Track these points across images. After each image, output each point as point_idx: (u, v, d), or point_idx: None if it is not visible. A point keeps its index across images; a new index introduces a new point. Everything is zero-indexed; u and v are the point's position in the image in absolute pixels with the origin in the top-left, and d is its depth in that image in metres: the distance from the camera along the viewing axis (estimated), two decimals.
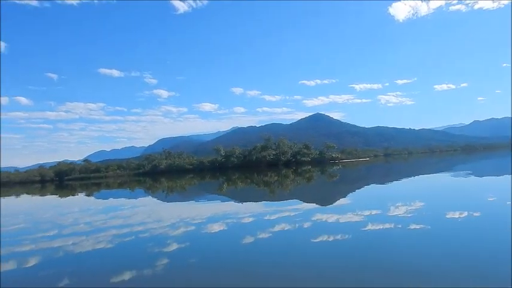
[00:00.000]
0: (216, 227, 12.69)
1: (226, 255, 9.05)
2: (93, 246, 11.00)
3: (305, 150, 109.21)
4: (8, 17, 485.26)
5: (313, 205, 17.77)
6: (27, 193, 50.76)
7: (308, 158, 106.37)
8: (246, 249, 9.40)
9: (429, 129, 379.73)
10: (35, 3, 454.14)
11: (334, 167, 68.97)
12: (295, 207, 16.89)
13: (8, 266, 9.26)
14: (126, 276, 7.62)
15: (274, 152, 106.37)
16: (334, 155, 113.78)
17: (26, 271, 8.73)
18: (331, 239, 9.80)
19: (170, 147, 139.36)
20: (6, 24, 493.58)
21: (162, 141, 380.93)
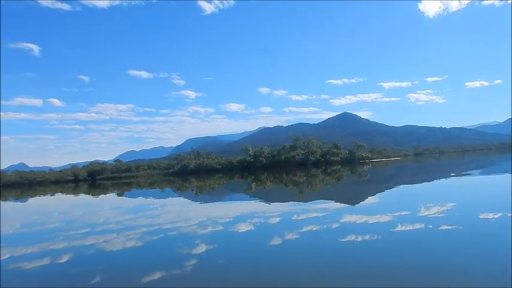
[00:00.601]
0: (244, 227, 12.68)
1: (253, 255, 9.02)
2: (124, 244, 11.20)
3: (334, 150, 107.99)
4: (42, 21, 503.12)
5: (341, 205, 17.52)
6: (62, 192, 52.49)
7: (338, 158, 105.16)
8: (273, 250, 9.33)
9: (461, 128, 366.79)
10: (67, 7, 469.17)
11: (365, 167, 67.90)
12: (323, 207, 16.70)
13: (43, 262, 9.53)
14: (156, 275, 7.69)
15: (303, 152, 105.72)
16: (364, 155, 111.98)
17: (59, 267, 8.96)
18: (359, 239, 9.62)
19: (197, 148, 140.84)
20: (39, 28, 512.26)
21: (190, 141, 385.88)
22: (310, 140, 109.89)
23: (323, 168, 75.06)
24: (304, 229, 11.53)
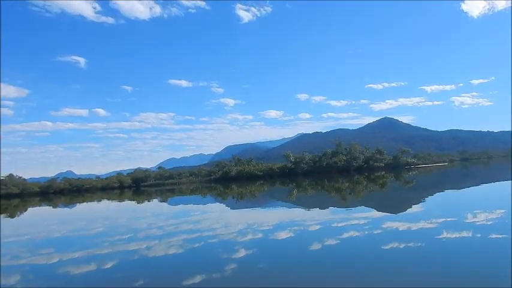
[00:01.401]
0: (283, 234, 12.57)
1: (293, 262, 8.91)
2: (166, 250, 11.38)
3: (378, 156, 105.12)
4: (88, 34, 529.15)
5: (383, 212, 17.06)
6: (107, 198, 54.40)
7: (381, 164, 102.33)
8: (313, 256, 9.19)
9: (510, 132, 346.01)
10: (111, 20, 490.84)
11: (410, 173, 65.67)
12: (365, 214, 16.33)
13: (89, 267, 9.85)
14: (197, 280, 7.77)
15: (345, 158, 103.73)
16: (409, 160, 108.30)
17: (104, 272, 9.23)
18: (402, 246, 9.33)
19: (236, 154, 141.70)
20: (85, 41, 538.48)
21: (229, 148, 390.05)
22: (353, 145, 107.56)
23: (366, 174, 73.29)
24: (345, 235, 11.31)
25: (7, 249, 13.95)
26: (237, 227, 15.25)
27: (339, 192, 33.28)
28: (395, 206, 19.94)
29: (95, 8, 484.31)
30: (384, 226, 12.61)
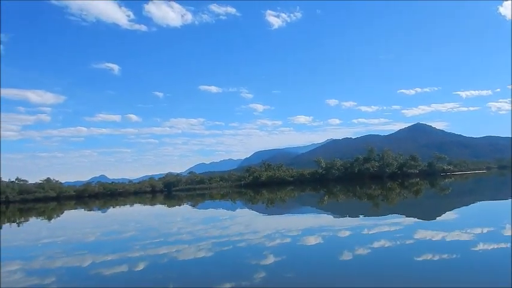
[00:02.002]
0: (312, 240, 12.43)
1: (322, 271, 8.79)
2: (195, 254, 11.47)
3: (412, 162, 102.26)
4: (121, 42, 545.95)
5: (415, 220, 16.65)
6: (140, 202, 55.57)
7: (416, 170, 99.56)
8: (343, 265, 9.04)
9: None
10: (144, 28, 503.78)
11: (446, 180, 63.60)
12: (396, 222, 15.98)
13: (121, 269, 10.05)
14: (226, 285, 7.78)
15: (377, 164, 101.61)
16: (445, 167, 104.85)
17: (135, 275, 9.38)
18: (436, 258, 8.98)
19: (265, 160, 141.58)
20: (119, 49, 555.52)
21: (258, 153, 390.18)
22: (386, 151, 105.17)
23: (399, 181, 71.51)
24: (376, 244, 11.07)
25: (44, 251, 14.45)
26: (266, 232, 15.19)
27: (371, 198, 32.63)
28: (429, 213, 19.34)
29: (128, 16, 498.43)
30: (416, 235, 12.28)
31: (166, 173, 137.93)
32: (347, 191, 48.84)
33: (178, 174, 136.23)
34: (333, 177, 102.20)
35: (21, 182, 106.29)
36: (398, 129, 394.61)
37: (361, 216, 19.65)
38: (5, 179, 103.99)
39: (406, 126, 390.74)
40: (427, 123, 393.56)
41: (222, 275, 8.77)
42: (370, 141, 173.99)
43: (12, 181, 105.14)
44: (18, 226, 28.83)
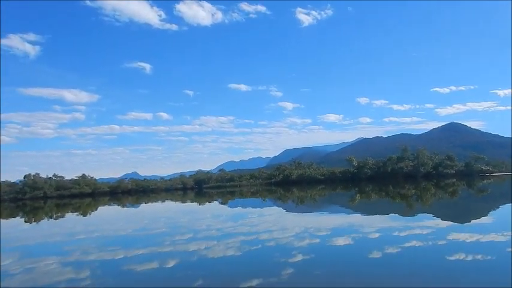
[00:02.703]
0: (342, 240, 12.27)
1: (351, 268, 8.70)
2: (224, 251, 11.55)
3: (448, 162, 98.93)
4: (153, 41, 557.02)
5: (449, 222, 16.13)
6: (171, 199, 56.52)
7: (452, 171, 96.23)
8: (373, 265, 8.89)
9: None
10: (175, 27, 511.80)
11: (484, 181, 61.25)
12: (428, 223, 15.58)
13: (152, 265, 10.24)
14: (254, 283, 7.79)
15: (412, 164, 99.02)
16: (483, 168, 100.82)
17: (166, 270, 9.53)
18: (469, 258, 8.71)
19: (295, 158, 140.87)
20: (151, 48, 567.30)
21: (287, 152, 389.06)
22: (421, 150, 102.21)
23: (435, 181, 69.44)
24: (407, 245, 10.86)
25: (79, 245, 14.92)
26: (295, 230, 15.11)
27: (404, 199, 31.87)
28: (464, 215, 18.72)
29: (160, 15, 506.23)
30: (449, 236, 11.94)
31: (197, 171, 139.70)
32: (379, 190, 47.90)
33: (208, 172, 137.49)
34: (365, 176, 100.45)
35: (58, 178, 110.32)
36: (432, 128, 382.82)
37: (393, 216, 19.27)
38: (42, 175, 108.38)
39: (440, 126, 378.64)
40: (462, 123, 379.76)
41: (250, 272, 8.80)
42: (402, 141, 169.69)
43: (50, 177, 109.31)
44: (55, 221, 29.95)
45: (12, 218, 36.69)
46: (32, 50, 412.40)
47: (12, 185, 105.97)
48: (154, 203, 48.52)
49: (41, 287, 8.79)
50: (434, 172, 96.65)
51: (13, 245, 16.80)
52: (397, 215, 19.81)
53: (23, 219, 34.04)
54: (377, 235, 13.00)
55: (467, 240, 11.06)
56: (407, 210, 22.12)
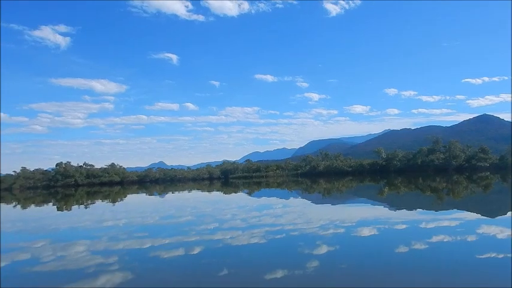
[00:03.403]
0: (367, 232, 12.11)
1: (376, 261, 8.60)
2: (248, 241, 11.62)
3: (481, 155, 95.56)
4: (180, 32, 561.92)
5: (478, 216, 15.71)
6: (198, 189, 57.24)
7: (485, 164, 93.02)
8: (398, 258, 8.78)
9: None
10: (201, 18, 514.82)
11: None
12: (457, 216, 15.25)
13: (178, 252, 10.41)
14: (279, 275, 7.80)
15: (443, 156, 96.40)
16: None
17: (191, 259, 9.66)
18: (501, 256, 8.41)
19: (320, 150, 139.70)
20: (177, 39, 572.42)
21: (313, 143, 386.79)
22: (453, 142, 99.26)
23: (467, 174, 67.37)
24: (434, 239, 10.64)
25: (107, 232, 15.32)
26: (320, 222, 15.02)
27: (434, 192, 31.13)
28: (497, 210, 18.11)
29: (187, 6, 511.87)
30: (478, 231, 11.65)
31: (223, 161, 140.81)
32: (409, 183, 46.94)
33: (234, 162, 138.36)
34: (394, 168, 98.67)
35: (88, 167, 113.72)
36: (462, 120, 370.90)
37: (421, 209, 18.89)
38: (73, 163, 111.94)
39: (471, 117, 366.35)
40: (495, 114, 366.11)
41: (274, 262, 8.81)
42: (431, 133, 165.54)
43: (80, 166, 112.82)
44: (86, 208, 30.87)
45: (45, 205, 38.10)
46: (62, 41, 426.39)
47: (44, 172, 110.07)
48: (181, 192, 49.26)
49: (71, 270, 9.07)
50: (466, 165, 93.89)
51: (46, 231, 17.43)
52: (426, 208, 19.38)
53: (55, 206, 35.27)
54: (404, 227, 12.81)
55: (498, 236, 10.73)
56: (437, 204, 21.59)
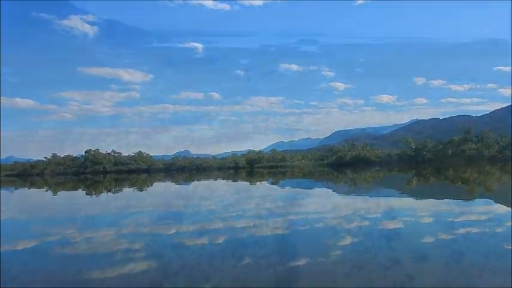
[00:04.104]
0: (392, 224, 11.90)
1: (401, 254, 8.39)
2: (272, 230, 11.58)
3: None
4: (206, 21, 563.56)
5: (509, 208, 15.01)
6: (223, 178, 57.67)
7: None
8: (425, 250, 8.53)
9: None
10: (227, 7, 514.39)
11: None
12: (487, 209, 14.75)
13: (202, 240, 10.49)
14: (301, 263, 7.78)
15: (475, 146, 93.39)
16: None
17: (215, 246, 9.69)
18: None
19: (346, 139, 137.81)
20: (203, 28, 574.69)
21: (338, 133, 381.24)
22: (486, 132, 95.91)
23: (500, 165, 65.03)
24: (462, 231, 10.36)
25: (133, 219, 15.65)
26: (345, 212, 14.87)
27: (465, 183, 30.22)
28: None
29: None
30: (509, 224, 11.23)
31: (248, 150, 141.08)
32: (438, 173, 45.79)
33: (259, 152, 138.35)
34: (423, 159, 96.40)
35: (116, 155, 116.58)
36: (494, 109, 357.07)
37: (450, 200, 18.40)
38: (102, 151, 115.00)
39: (503, 107, 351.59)
40: None
41: (298, 252, 8.79)
42: (461, 122, 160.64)
43: (109, 153, 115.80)
44: (114, 194, 31.66)
45: (75, 190, 39.34)
46: (90, 31, 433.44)
47: (74, 159, 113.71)
48: (206, 181, 49.79)
49: (99, 254, 9.30)
50: (500, 156, 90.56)
51: (75, 215, 17.97)
52: (455, 199, 18.84)
53: (84, 192, 36.37)
54: (431, 220, 12.49)
55: None
56: (468, 195, 20.93)
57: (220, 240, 10.46)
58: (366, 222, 12.37)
